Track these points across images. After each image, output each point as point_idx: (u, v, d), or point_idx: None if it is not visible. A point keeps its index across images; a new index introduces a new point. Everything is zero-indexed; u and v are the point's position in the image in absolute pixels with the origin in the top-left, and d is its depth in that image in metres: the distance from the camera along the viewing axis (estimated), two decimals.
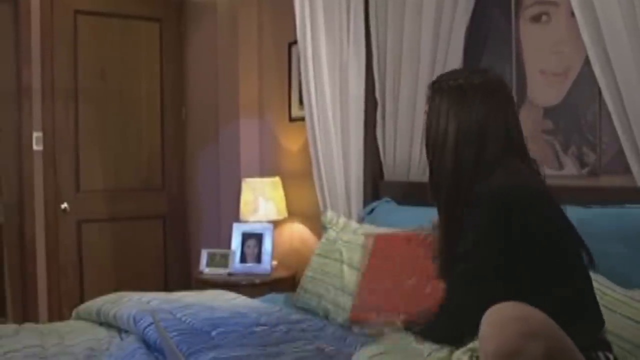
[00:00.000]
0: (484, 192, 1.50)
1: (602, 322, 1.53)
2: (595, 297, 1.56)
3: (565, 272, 1.50)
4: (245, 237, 3.66)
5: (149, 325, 2.12)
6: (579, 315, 1.47)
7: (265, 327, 2.25)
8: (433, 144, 1.64)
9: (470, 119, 1.58)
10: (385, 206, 2.99)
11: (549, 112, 2.51)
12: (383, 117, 3.10)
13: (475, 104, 1.59)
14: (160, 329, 1.83)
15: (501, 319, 1.26)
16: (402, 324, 1.69)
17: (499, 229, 1.46)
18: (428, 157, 1.68)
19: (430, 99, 1.67)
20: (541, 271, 1.48)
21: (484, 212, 1.49)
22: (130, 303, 2.41)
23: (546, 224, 1.49)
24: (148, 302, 2.47)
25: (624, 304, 1.82)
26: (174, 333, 2.06)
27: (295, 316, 2.47)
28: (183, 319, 2.25)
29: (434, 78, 1.73)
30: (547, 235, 1.48)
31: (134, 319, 2.22)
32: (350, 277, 2.52)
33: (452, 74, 1.73)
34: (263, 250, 3.61)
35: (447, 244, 1.64)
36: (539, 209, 1.49)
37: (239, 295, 2.82)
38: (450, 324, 1.52)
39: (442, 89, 1.65)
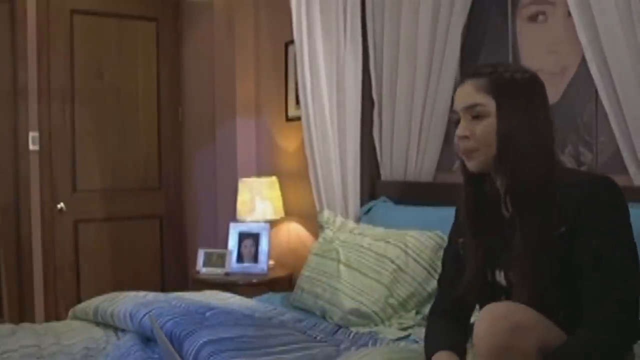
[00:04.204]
0: (596, 186, 1.40)
1: None
2: None
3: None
4: (242, 236, 3.66)
5: (144, 316, 2.12)
6: None
7: (259, 317, 2.30)
8: (509, 142, 1.45)
9: (541, 115, 1.49)
10: (382, 206, 2.99)
11: None
12: (380, 117, 3.10)
13: (544, 101, 1.51)
14: (157, 329, 1.83)
15: (492, 317, 1.29)
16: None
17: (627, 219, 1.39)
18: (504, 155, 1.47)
19: (499, 95, 1.45)
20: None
21: (612, 206, 1.39)
22: (127, 299, 2.42)
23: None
24: (144, 297, 2.49)
25: None
26: (168, 317, 2.07)
27: (290, 314, 2.50)
28: (177, 304, 2.28)
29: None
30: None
31: (130, 313, 2.23)
32: (347, 276, 2.52)
33: (506, 66, 1.54)
34: (260, 249, 3.61)
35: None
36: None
37: (234, 295, 2.83)
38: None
39: (506, 81, 1.46)
